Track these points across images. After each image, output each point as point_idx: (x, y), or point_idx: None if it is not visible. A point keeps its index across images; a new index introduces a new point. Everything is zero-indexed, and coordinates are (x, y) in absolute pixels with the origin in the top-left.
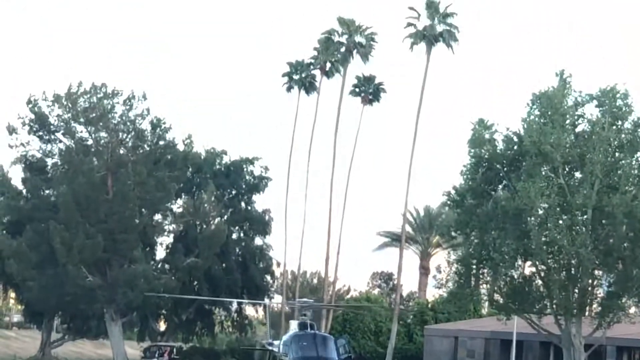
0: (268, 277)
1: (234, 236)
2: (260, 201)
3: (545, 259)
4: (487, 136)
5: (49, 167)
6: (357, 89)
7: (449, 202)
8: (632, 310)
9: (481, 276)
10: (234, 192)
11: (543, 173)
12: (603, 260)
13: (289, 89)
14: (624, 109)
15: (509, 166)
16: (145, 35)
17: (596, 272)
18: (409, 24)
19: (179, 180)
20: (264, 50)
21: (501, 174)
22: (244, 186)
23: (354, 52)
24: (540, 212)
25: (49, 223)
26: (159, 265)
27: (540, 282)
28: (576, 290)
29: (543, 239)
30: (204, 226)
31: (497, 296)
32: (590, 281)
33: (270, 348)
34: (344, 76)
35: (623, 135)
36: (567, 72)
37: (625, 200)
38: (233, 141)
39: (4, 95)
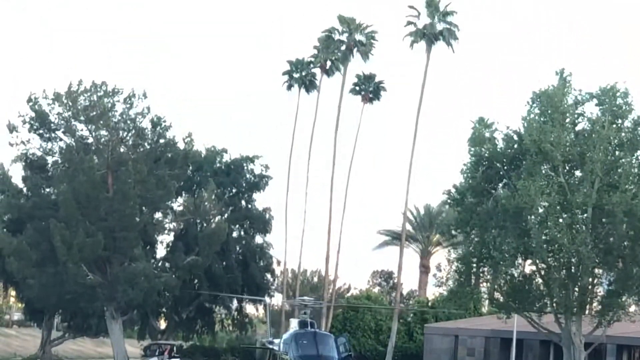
0: (268, 276)
1: (235, 234)
2: (260, 199)
3: (545, 257)
4: (487, 135)
5: (49, 165)
6: (357, 88)
7: (449, 201)
8: (632, 308)
9: (481, 275)
10: (234, 190)
11: (543, 171)
12: (603, 259)
13: (289, 87)
14: (624, 107)
15: (509, 165)
16: (145, 35)
17: (596, 270)
18: (409, 23)
19: (180, 179)
20: (264, 50)
21: (501, 173)
22: (244, 184)
23: (354, 50)
24: (541, 210)
25: (50, 221)
26: (160, 264)
27: (540, 280)
28: (576, 289)
29: (543, 237)
30: (205, 224)
31: (497, 295)
32: (590, 280)
33: (270, 346)
34: (344, 74)
35: (623, 134)
36: (567, 71)
37: (625, 199)
38: (233, 140)
39: (4, 94)
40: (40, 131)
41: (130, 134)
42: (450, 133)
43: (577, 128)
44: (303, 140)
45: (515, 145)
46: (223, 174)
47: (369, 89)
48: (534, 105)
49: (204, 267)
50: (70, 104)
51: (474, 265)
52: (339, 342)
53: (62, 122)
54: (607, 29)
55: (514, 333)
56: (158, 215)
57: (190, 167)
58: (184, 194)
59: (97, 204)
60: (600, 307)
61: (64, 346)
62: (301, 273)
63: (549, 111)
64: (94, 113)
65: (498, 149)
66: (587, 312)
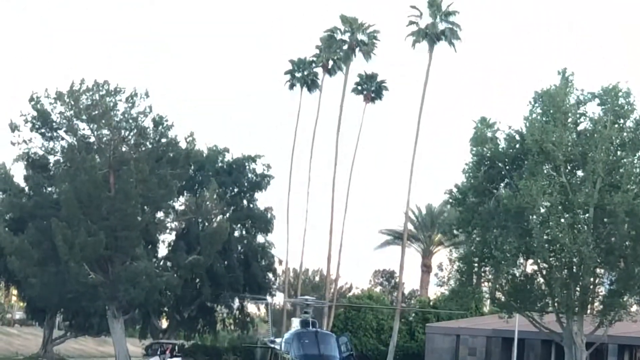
0: (270, 275)
1: (236, 234)
2: (262, 199)
3: (547, 257)
4: (489, 134)
5: (51, 165)
6: (359, 87)
7: (451, 200)
8: (634, 308)
9: (483, 274)
10: (236, 189)
11: (545, 171)
12: (605, 259)
13: (291, 86)
14: (626, 107)
15: (511, 164)
16: (145, 35)
17: (598, 270)
18: (411, 22)
19: (181, 178)
20: (265, 50)
21: (503, 172)
22: (246, 184)
23: (357, 50)
24: (542, 210)
25: (51, 220)
26: (161, 263)
27: (542, 280)
28: (578, 289)
29: (545, 237)
30: (206, 224)
31: (498, 294)
32: (591, 279)
33: (272, 346)
34: (346, 74)
35: (625, 134)
36: (569, 71)
37: (627, 199)
38: (234, 140)
39: (5, 94)
40: (42, 130)
41: (132, 133)
42: (452, 132)
43: (579, 128)
44: (305, 139)
45: (517, 145)
46: (225, 174)
47: (371, 88)
48: (536, 105)
49: (205, 266)
50: (72, 103)
51: (476, 264)
52: (340, 341)
53: (64, 121)
54: (607, 29)
55: (515, 333)
56: (160, 214)
57: (192, 167)
58: (185, 194)
59: (99, 203)
60: (601, 306)
61: (66, 345)
62: (303, 272)
63: (551, 111)
64: (96, 112)
65: (500, 149)
66: (588, 311)
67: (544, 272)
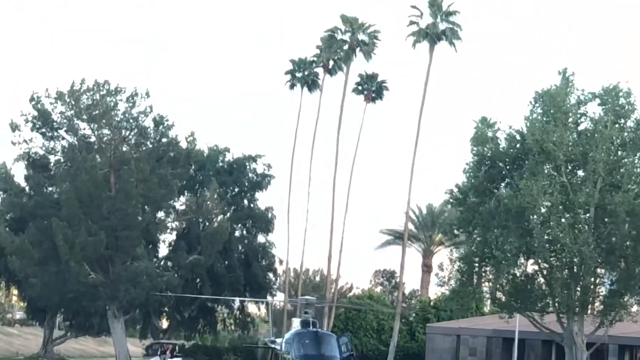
0: (270, 275)
1: (237, 234)
2: (263, 199)
3: (547, 257)
4: (489, 134)
5: (51, 164)
6: (359, 87)
7: (451, 200)
8: (635, 308)
9: (483, 274)
10: (236, 189)
11: (545, 171)
12: (605, 259)
13: (291, 86)
14: (626, 107)
15: (512, 164)
16: (145, 35)
17: (598, 270)
18: (412, 22)
19: (182, 178)
20: (265, 50)
21: (504, 172)
22: (246, 184)
23: (357, 50)
24: (543, 210)
25: (52, 220)
26: (162, 263)
27: (542, 280)
28: (578, 289)
29: (545, 237)
30: (207, 223)
31: (499, 294)
32: (592, 279)
33: (272, 346)
34: (346, 74)
35: (626, 134)
36: (569, 71)
37: (627, 199)
38: (235, 140)
39: (5, 94)
40: (43, 130)
41: (132, 133)
42: (453, 132)
43: (580, 128)
44: (305, 139)
45: (518, 145)
46: (225, 173)
47: (372, 88)
48: (537, 104)
49: (206, 266)
50: (73, 102)
51: (476, 264)
52: (341, 341)
53: (65, 121)
54: (607, 29)
55: (516, 333)
56: (160, 214)
57: (193, 166)
58: (186, 193)
59: (100, 202)
60: (602, 307)
61: (66, 345)
62: (303, 272)
63: (552, 111)
64: (97, 112)
65: (500, 149)
66: (589, 312)
67: (545, 272)
